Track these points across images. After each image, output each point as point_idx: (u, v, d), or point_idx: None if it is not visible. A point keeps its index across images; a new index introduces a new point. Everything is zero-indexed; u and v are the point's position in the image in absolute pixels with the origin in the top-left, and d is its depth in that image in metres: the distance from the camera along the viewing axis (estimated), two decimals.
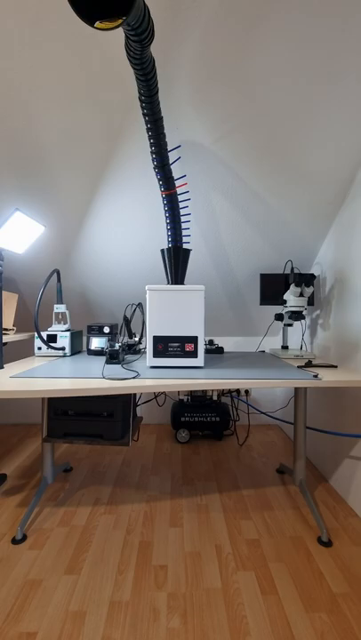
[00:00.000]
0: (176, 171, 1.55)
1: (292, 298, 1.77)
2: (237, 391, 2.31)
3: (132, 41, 0.94)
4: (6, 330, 1.89)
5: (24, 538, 1.31)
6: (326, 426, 1.78)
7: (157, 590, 1.08)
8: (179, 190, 1.52)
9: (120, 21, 0.80)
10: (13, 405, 2.57)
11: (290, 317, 1.82)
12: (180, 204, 1.55)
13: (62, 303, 1.81)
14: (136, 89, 1.28)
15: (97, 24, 0.80)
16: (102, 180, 1.64)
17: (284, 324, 1.90)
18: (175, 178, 1.48)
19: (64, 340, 1.73)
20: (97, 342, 1.81)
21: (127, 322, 1.82)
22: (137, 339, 1.83)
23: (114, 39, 1.19)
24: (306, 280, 1.73)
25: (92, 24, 0.80)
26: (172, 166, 1.46)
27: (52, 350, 1.69)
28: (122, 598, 1.05)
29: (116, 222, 1.82)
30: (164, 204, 1.52)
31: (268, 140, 1.48)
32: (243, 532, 1.35)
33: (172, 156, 1.46)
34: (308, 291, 1.75)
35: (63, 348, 1.71)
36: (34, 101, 1.36)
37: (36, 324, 1.48)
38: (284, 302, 1.84)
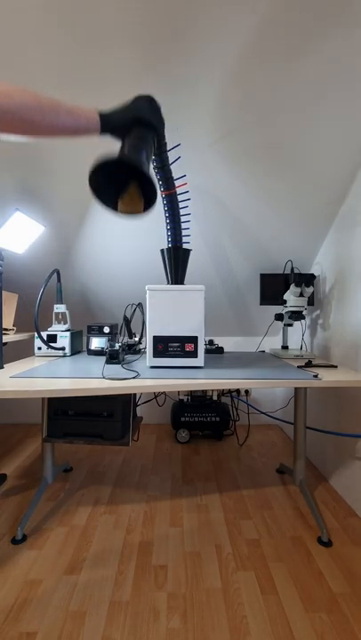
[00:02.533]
0: (176, 171, 1.55)
1: (292, 298, 1.77)
2: (237, 391, 2.31)
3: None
4: (6, 330, 1.89)
5: (24, 538, 1.31)
6: (326, 426, 1.78)
7: (157, 590, 1.08)
8: (179, 190, 1.52)
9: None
10: (13, 405, 2.57)
11: (290, 317, 1.82)
12: (180, 204, 1.55)
13: (62, 303, 1.81)
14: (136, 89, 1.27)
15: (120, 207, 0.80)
16: None
17: (284, 324, 1.90)
18: (175, 178, 1.48)
19: (64, 340, 1.73)
20: (97, 342, 1.80)
21: (127, 322, 1.82)
22: (137, 339, 1.83)
23: (114, 39, 1.19)
24: (306, 280, 1.73)
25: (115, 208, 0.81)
26: (171, 166, 1.46)
27: (52, 350, 1.69)
28: (122, 598, 1.05)
29: (116, 222, 1.82)
30: (164, 204, 1.52)
31: (268, 140, 1.48)
32: (243, 532, 1.35)
33: (171, 156, 1.46)
34: (308, 291, 1.75)
35: (63, 348, 1.71)
36: None
37: (36, 324, 1.47)
38: (284, 302, 1.84)
